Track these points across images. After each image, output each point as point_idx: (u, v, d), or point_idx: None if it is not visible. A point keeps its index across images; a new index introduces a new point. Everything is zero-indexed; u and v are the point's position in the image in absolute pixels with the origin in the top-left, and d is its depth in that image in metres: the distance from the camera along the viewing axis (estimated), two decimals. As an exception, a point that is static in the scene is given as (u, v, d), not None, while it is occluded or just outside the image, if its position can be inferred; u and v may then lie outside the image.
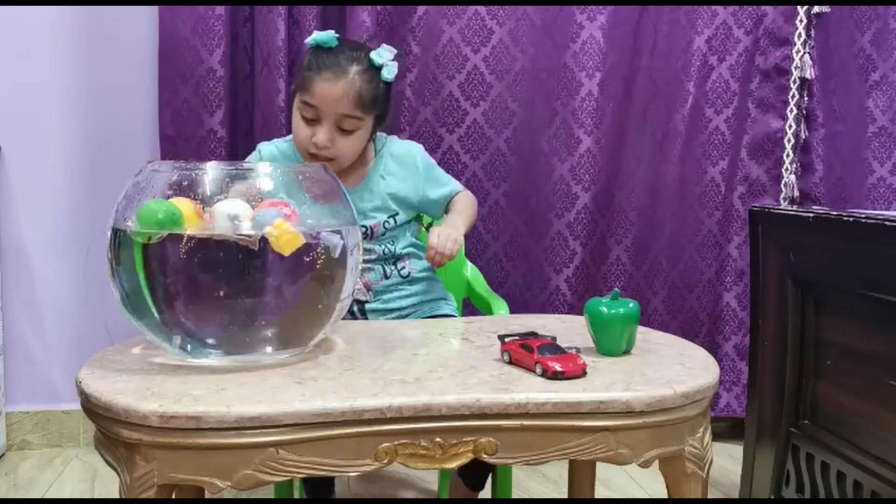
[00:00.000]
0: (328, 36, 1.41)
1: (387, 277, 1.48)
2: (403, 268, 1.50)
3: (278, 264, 0.95)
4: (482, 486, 1.55)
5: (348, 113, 1.37)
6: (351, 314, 1.45)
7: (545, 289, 2.03)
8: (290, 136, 1.49)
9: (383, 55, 1.41)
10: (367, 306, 1.47)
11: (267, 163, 1.03)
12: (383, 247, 1.48)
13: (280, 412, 0.85)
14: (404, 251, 1.50)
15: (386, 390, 0.90)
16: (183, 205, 0.95)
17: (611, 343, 1.09)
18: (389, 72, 1.42)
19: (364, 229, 1.44)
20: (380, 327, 1.27)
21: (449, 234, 1.36)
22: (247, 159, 1.49)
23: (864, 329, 1.34)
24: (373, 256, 1.47)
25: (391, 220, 1.48)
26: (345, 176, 1.44)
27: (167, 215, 0.93)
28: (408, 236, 1.52)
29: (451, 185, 1.54)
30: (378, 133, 1.51)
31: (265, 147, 1.51)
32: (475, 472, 1.51)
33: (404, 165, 1.50)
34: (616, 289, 1.14)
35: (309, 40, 1.43)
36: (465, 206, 1.51)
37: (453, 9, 1.93)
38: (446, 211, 1.52)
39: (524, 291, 2.04)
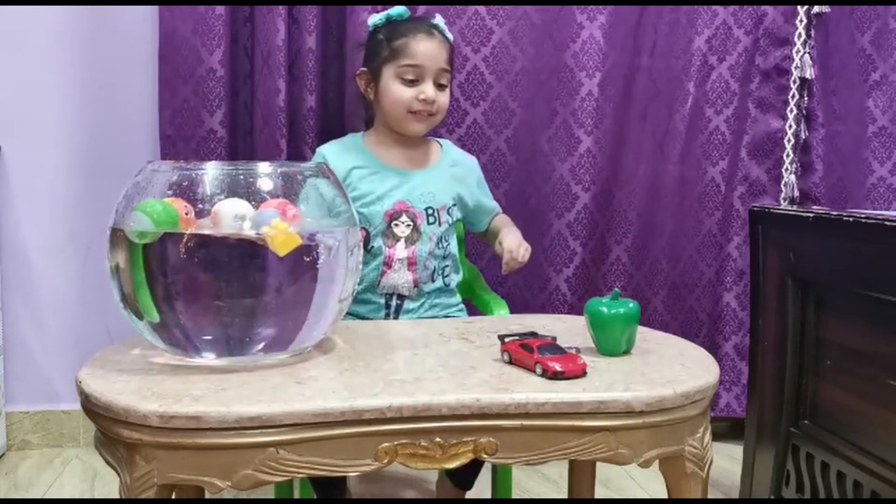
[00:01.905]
0: (403, 9, 1.56)
1: (433, 281, 1.52)
2: (448, 275, 1.55)
3: (277, 264, 0.95)
4: (470, 486, 1.56)
5: (445, 67, 1.53)
6: (386, 308, 1.50)
7: (545, 289, 2.03)
8: (348, 136, 1.62)
9: (441, 21, 1.58)
10: (405, 305, 1.50)
11: (267, 163, 1.03)
12: (442, 248, 1.53)
13: (280, 412, 0.85)
14: (453, 253, 1.57)
15: (386, 390, 0.90)
16: (176, 206, 0.95)
17: (611, 343, 1.09)
18: (449, 34, 1.58)
19: (431, 211, 1.52)
20: (380, 327, 1.28)
21: (521, 242, 1.50)
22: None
23: (864, 329, 1.34)
24: (432, 248, 1.51)
25: (454, 210, 1.57)
26: (422, 155, 1.59)
27: (168, 215, 0.93)
28: (454, 241, 1.59)
29: (494, 201, 1.69)
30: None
31: (327, 148, 1.58)
32: (464, 472, 1.51)
33: (464, 167, 1.64)
34: (616, 289, 1.14)
35: (376, 20, 1.56)
36: (513, 224, 1.64)
37: (453, 9, 1.93)
38: (486, 229, 1.66)
39: (524, 291, 2.04)
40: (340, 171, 1.50)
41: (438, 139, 1.67)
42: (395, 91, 1.51)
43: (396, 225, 1.49)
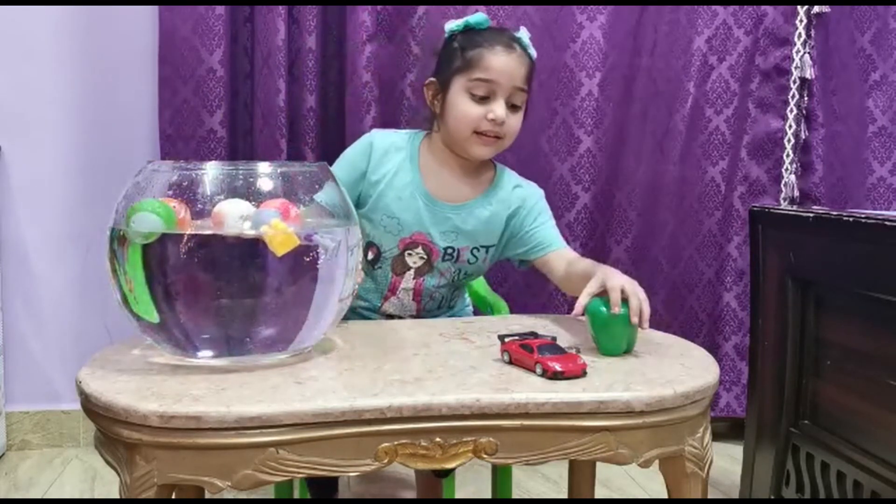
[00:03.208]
0: (482, 17, 1.40)
1: (439, 308, 1.44)
2: (455, 297, 1.47)
3: (277, 264, 0.95)
4: (447, 475, 1.54)
5: (521, 85, 1.36)
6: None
7: (545, 289, 2.03)
8: (409, 134, 1.44)
9: (526, 36, 1.40)
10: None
11: (267, 163, 1.03)
12: (455, 283, 1.44)
13: (280, 412, 0.85)
14: (468, 280, 1.48)
15: (386, 390, 0.90)
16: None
17: (612, 343, 1.08)
18: (532, 51, 1.40)
19: (451, 251, 1.39)
20: (380, 327, 1.27)
21: (634, 284, 1.17)
22: (354, 150, 1.40)
23: (864, 329, 1.34)
24: (443, 282, 1.41)
25: (479, 251, 1.41)
26: (471, 185, 1.41)
27: (169, 215, 0.93)
28: (479, 275, 1.48)
29: (557, 236, 1.45)
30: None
31: (379, 138, 1.41)
32: None
33: (516, 201, 1.42)
34: None
35: (453, 26, 1.40)
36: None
37: (453, 9, 1.93)
38: (541, 260, 1.42)
39: (524, 291, 2.04)
40: (380, 168, 1.38)
41: (499, 165, 1.46)
42: (462, 106, 1.34)
43: (409, 255, 1.39)
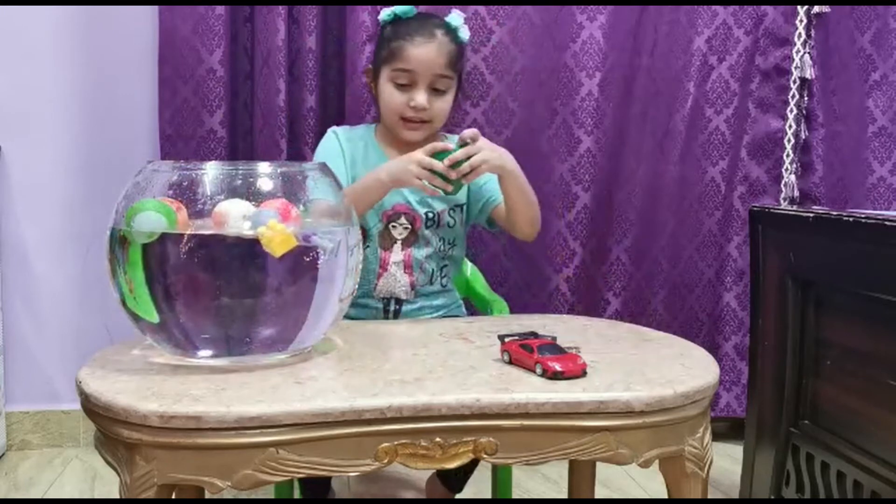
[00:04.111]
0: (408, 7, 1.49)
1: (431, 283, 1.49)
2: (447, 275, 1.52)
3: (277, 264, 0.95)
4: (460, 490, 1.55)
5: (442, 73, 1.45)
6: (385, 314, 1.47)
7: (545, 289, 2.03)
8: (362, 126, 1.58)
9: (456, 20, 1.50)
10: (404, 308, 1.47)
11: (267, 163, 1.03)
12: (442, 251, 1.49)
13: (280, 412, 0.85)
14: (455, 255, 1.53)
15: (386, 390, 0.91)
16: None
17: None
18: (464, 33, 1.51)
19: (431, 215, 1.47)
20: (379, 327, 1.28)
21: (494, 148, 1.36)
22: (324, 144, 1.53)
23: (864, 329, 1.34)
24: (430, 252, 1.48)
25: (457, 213, 1.50)
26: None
27: (169, 215, 0.93)
28: (460, 243, 1.54)
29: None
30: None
31: (341, 129, 1.55)
32: (455, 475, 1.51)
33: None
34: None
35: (384, 16, 1.50)
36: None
37: (453, 9, 1.93)
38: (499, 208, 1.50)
39: (524, 291, 2.04)
40: (347, 156, 1.49)
41: (448, 135, 1.57)
42: (387, 94, 1.46)
43: (394, 227, 1.46)
